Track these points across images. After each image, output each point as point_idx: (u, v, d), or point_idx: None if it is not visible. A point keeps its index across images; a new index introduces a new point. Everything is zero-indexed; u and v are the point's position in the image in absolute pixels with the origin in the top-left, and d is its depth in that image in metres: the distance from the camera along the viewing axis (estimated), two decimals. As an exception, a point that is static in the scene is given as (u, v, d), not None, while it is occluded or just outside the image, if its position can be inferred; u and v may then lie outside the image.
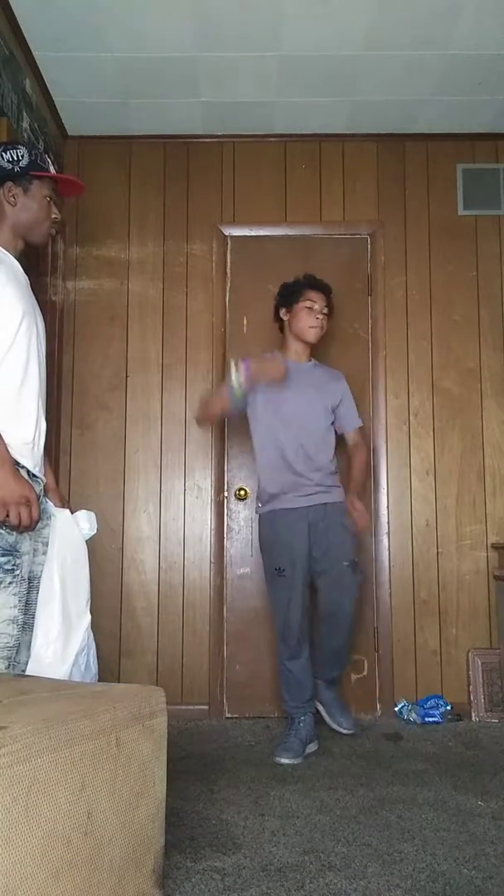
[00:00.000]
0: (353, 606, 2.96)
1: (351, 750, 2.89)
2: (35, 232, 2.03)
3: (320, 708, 3.06)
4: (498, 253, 3.68)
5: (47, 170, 2.03)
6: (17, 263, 2.01)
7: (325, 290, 3.05)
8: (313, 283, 3.04)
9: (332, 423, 3.08)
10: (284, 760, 2.73)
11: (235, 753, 2.86)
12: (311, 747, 2.86)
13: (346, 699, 3.22)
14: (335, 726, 3.04)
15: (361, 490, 3.08)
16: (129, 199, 3.68)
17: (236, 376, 2.82)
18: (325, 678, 3.03)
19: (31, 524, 1.84)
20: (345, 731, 3.03)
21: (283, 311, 3.09)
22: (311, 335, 3.02)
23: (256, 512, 3.09)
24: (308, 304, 3.00)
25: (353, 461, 3.11)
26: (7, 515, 1.78)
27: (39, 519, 1.89)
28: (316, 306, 3.01)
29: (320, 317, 3.01)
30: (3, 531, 1.81)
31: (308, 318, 3.01)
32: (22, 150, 2.00)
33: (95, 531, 2.05)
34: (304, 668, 2.91)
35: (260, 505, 3.03)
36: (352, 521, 2.91)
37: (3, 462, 1.80)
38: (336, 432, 3.09)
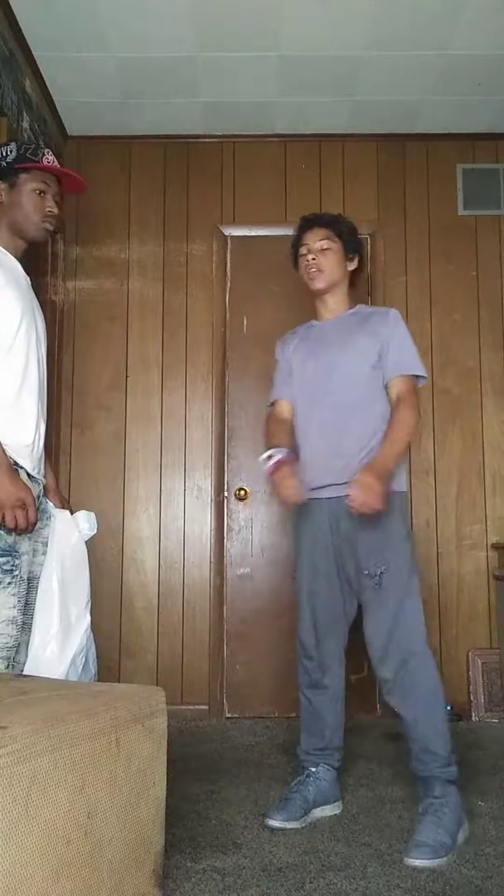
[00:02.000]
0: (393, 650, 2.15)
1: (351, 750, 2.89)
2: (27, 227, 1.98)
3: None
4: (498, 253, 3.67)
5: (36, 161, 1.97)
6: (17, 264, 2.00)
7: (318, 221, 2.43)
8: (303, 222, 2.46)
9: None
10: (274, 823, 2.12)
11: (235, 753, 2.86)
12: (324, 811, 2.21)
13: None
14: None
15: (382, 459, 2.15)
16: (129, 199, 3.68)
17: (264, 463, 2.29)
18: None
19: (28, 527, 1.83)
20: None
21: (300, 274, 2.48)
22: (311, 283, 2.40)
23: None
24: (303, 249, 2.41)
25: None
26: (3, 518, 1.78)
27: (38, 521, 1.89)
28: (310, 245, 2.39)
29: (312, 257, 2.37)
30: (1, 531, 1.81)
31: (302, 265, 2.42)
32: (11, 147, 1.98)
33: (95, 532, 2.05)
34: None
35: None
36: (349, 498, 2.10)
37: (0, 465, 1.80)
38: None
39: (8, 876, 1.13)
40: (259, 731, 3.18)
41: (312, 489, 2.26)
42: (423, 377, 2.32)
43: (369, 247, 3.68)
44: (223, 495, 3.54)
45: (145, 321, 3.62)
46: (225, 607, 3.49)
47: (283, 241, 3.67)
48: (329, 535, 2.26)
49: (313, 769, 2.27)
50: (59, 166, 2.03)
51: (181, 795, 2.33)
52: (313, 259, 2.37)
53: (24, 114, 3.06)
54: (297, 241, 2.45)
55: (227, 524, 3.54)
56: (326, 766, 2.28)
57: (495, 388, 3.59)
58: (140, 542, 3.51)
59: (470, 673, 3.40)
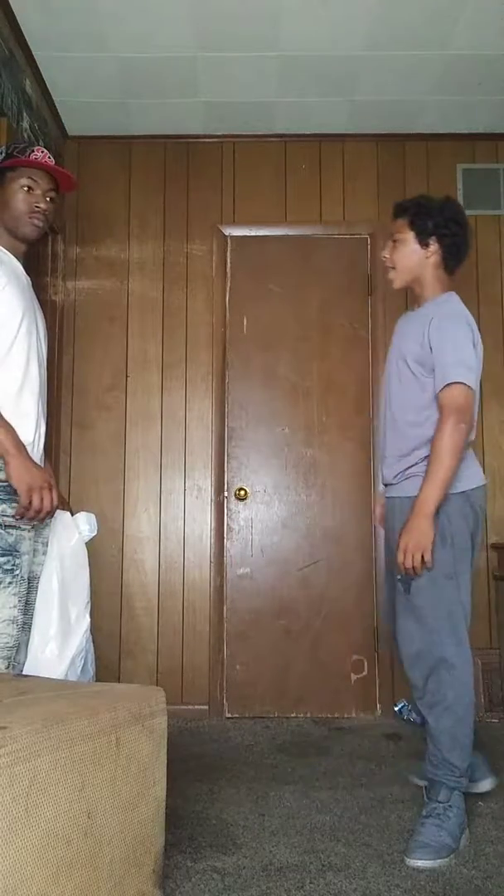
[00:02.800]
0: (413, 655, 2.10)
1: (351, 750, 2.89)
2: (17, 225, 1.97)
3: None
4: (498, 253, 3.67)
5: (22, 158, 1.95)
6: (18, 264, 2.01)
7: (395, 212, 2.30)
8: (393, 211, 2.32)
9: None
10: (421, 863, 1.90)
11: (235, 753, 2.86)
12: (464, 840, 2.03)
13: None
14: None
15: (421, 504, 2.03)
16: (129, 199, 3.68)
17: None
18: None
19: (52, 509, 1.85)
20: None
21: None
22: (391, 284, 2.31)
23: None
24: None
25: None
26: (30, 502, 1.79)
27: (54, 510, 1.90)
28: (387, 241, 2.30)
29: (387, 254, 2.28)
30: (2, 531, 1.81)
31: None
32: (1, 150, 1.99)
33: (95, 533, 2.05)
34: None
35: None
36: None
37: (20, 449, 1.82)
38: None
39: (8, 876, 1.13)
40: (259, 731, 3.18)
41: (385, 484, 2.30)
42: (460, 383, 2.10)
43: (369, 247, 3.68)
44: (223, 495, 3.54)
45: (145, 321, 3.62)
46: (225, 607, 3.49)
47: (283, 241, 3.71)
48: (389, 530, 2.26)
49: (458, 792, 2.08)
50: (47, 162, 1.99)
51: (181, 795, 2.34)
52: (386, 258, 2.27)
53: (24, 114, 3.06)
54: None
55: (227, 524, 3.54)
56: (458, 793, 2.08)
57: (495, 388, 3.59)
58: (140, 543, 3.51)
59: (470, 673, 3.39)
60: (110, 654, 3.35)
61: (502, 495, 3.54)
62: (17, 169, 1.96)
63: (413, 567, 2.02)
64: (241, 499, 3.53)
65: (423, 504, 2.03)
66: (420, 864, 1.89)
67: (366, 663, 3.46)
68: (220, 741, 3.04)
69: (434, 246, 2.20)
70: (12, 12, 2.78)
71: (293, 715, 3.37)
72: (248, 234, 3.69)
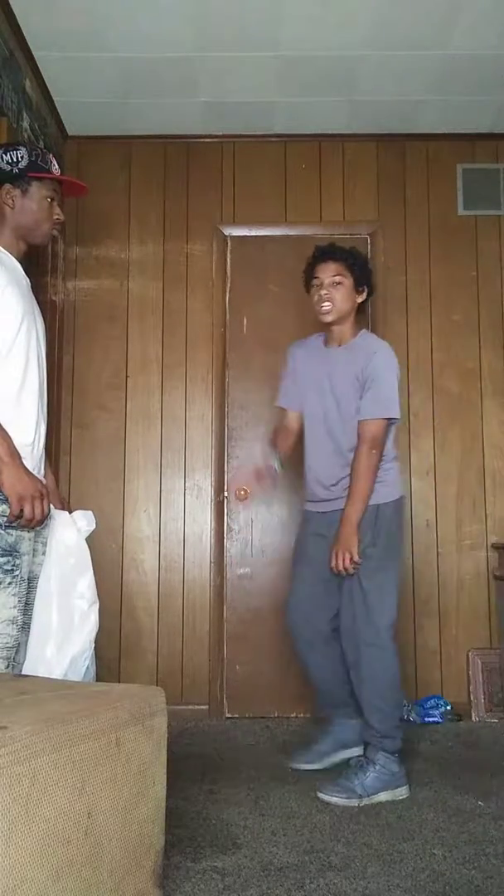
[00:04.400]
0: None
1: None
2: (35, 234, 2.02)
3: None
4: (498, 253, 3.67)
5: (48, 171, 2.01)
6: (18, 265, 2.01)
7: (332, 255, 2.59)
8: (318, 253, 2.62)
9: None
10: (325, 796, 2.36)
11: (235, 753, 2.86)
12: (342, 755, 2.61)
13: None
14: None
15: (348, 520, 2.45)
16: (129, 199, 3.68)
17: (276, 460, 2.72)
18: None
19: (43, 518, 1.85)
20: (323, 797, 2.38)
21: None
22: (321, 316, 2.58)
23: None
24: (315, 281, 2.58)
25: None
26: (21, 511, 1.79)
27: (45, 517, 1.90)
28: (322, 279, 2.56)
29: (325, 291, 2.55)
30: (2, 532, 1.81)
31: (314, 297, 2.59)
32: (22, 151, 1.99)
33: (94, 527, 2.05)
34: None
35: None
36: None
37: (13, 457, 1.82)
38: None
39: (8, 876, 1.13)
40: (259, 731, 3.18)
41: (308, 500, 2.67)
42: (392, 418, 2.52)
43: (369, 247, 3.68)
44: (223, 495, 3.54)
45: (145, 321, 3.62)
46: (225, 607, 3.49)
47: (283, 241, 3.71)
48: (319, 539, 2.59)
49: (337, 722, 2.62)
50: (75, 180, 2.11)
51: (181, 795, 2.34)
52: (325, 294, 2.55)
53: (24, 114, 3.06)
54: (309, 270, 2.62)
55: (227, 524, 3.54)
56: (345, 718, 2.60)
57: (495, 388, 3.59)
58: (140, 542, 3.51)
59: (470, 673, 3.40)
60: (110, 654, 3.35)
61: (502, 495, 3.54)
62: (43, 179, 2.00)
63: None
64: (241, 499, 3.53)
65: (352, 525, 2.45)
66: (325, 796, 2.32)
67: (366, 663, 3.45)
68: (220, 741, 3.04)
69: (362, 296, 2.63)
70: (12, 12, 2.78)
71: (293, 715, 3.37)
72: (247, 234, 3.69)
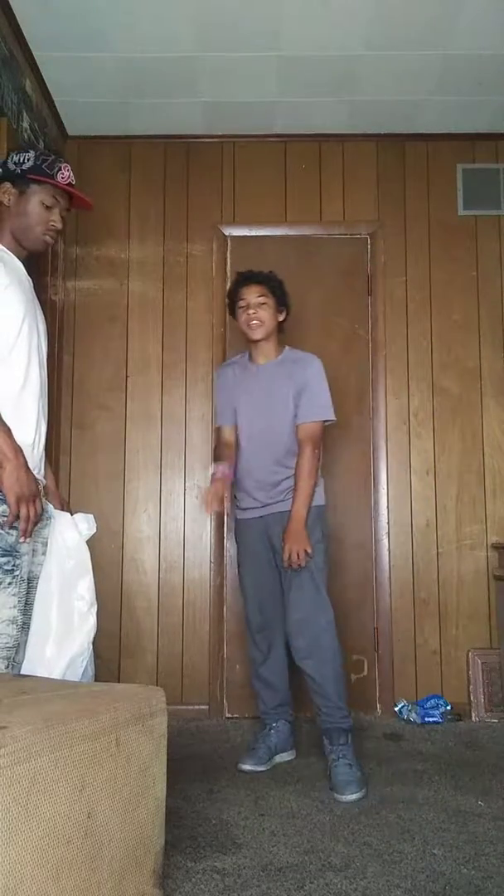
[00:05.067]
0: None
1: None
2: (27, 236, 1.99)
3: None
4: (498, 253, 3.67)
5: (50, 176, 1.97)
6: (20, 265, 2.00)
7: (254, 279, 2.83)
8: (241, 278, 2.86)
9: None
10: (247, 767, 2.65)
11: (235, 753, 2.86)
12: (285, 756, 2.79)
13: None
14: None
15: (297, 514, 2.64)
16: (129, 199, 3.68)
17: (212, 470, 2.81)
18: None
19: (38, 519, 1.85)
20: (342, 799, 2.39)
21: (236, 321, 2.90)
22: (250, 333, 2.80)
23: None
24: (242, 303, 2.81)
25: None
26: (17, 511, 1.79)
27: (40, 518, 1.90)
28: (248, 300, 2.79)
29: (252, 311, 2.78)
30: (2, 532, 1.81)
31: (242, 317, 2.81)
32: (30, 154, 1.98)
33: (94, 532, 2.05)
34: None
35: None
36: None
37: (17, 454, 1.81)
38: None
39: (8, 876, 1.13)
40: (259, 731, 3.18)
41: (248, 508, 2.81)
42: (330, 420, 2.77)
43: (369, 247, 3.68)
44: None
45: (145, 321, 3.62)
46: (225, 607, 3.49)
47: (282, 241, 3.71)
48: (266, 541, 2.76)
49: (274, 724, 2.79)
50: (72, 183, 2.02)
51: (181, 795, 2.34)
52: (253, 313, 2.78)
53: (24, 114, 3.06)
54: (234, 294, 2.85)
55: (227, 524, 3.53)
56: (283, 721, 2.81)
57: (495, 388, 3.59)
58: (140, 543, 3.51)
59: (470, 673, 3.40)
60: (110, 654, 3.35)
61: (502, 495, 3.54)
62: (43, 185, 1.97)
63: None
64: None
65: (300, 517, 2.65)
66: (354, 797, 2.35)
67: (366, 663, 3.46)
68: (220, 741, 3.04)
69: (282, 315, 2.86)
70: (12, 12, 2.79)
71: (293, 715, 3.36)
72: (247, 234, 3.69)
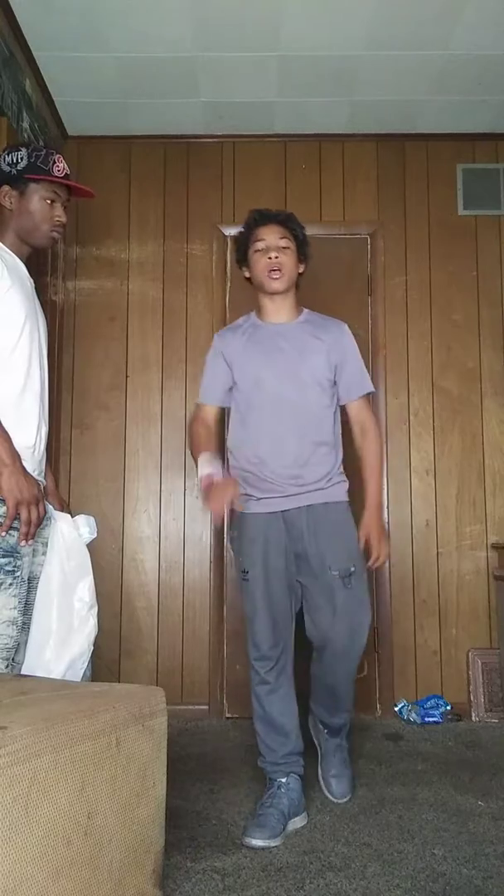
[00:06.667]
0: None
1: (351, 750, 2.89)
2: (35, 235, 2.00)
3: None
4: (498, 253, 3.67)
5: (47, 172, 1.98)
6: (22, 266, 2.01)
7: (276, 219, 2.31)
8: (259, 217, 2.32)
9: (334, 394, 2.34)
10: (257, 842, 1.99)
11: (235, 753, 2.86)
12: (297, 822, 2.13)
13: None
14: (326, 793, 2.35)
15: (375, 500, 2.36)
16: (129, 199, 3.68)
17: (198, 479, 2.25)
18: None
19: (39, 522, 1.85)
20: (336, 800, 2.32)
21: (244, 271, 2.39)
22: (270, 283, 2.28)
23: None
24: (260, 245, 2.28)
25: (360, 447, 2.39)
26: (18, 515, 1.79)
27: (41, 520, 1.90)
28: (268, 242, 2.27)
29: (274, 255, 2.26)
30: (3, 533, 1.81)
31: (261, 262, 2.28)
32: (22, 153, 1.98)
33: (95, 535, 2.05)
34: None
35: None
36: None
37: (14, 460, 1.81)
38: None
39: (8, 876, 1.13)
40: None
41: (263, 499, 2.25)
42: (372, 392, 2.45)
43: (369, 247, 3.68)
44: (223, 495, 3.53)
45: (145, 321, 3.62)
46: (225, 607, 3.49)
47: (283, 241, 3.70)
48: (285, 542, 2.25)
49: (283, 780, 2.18)
50: (67, 174, 2.03)
51: (181, 795, 2.34)
52: (276, 257, 2.26)
53: (24, 114, 3.06)
54: (248, 236, 2.31)
55: (227, 524, 3.53)
56: (295, 776, 2.21)
57: (495, 388, 3.59)
58: (140, 543, 3.51)
59: (470, 673, 3.40)
60: (110, 654, 3.35)
61: (502, 495, 3.54)
62: (42, 181, 1.97)
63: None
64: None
65: (378, 504, 2.39)
66: (344, 800, 2.31)
67: (366, 663, 3.45)
68: (220, 741, 3.04)
69: (302, 267, 2.37)
70: (12, 12, 2.79)
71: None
72: (248, 234, 3.69)
